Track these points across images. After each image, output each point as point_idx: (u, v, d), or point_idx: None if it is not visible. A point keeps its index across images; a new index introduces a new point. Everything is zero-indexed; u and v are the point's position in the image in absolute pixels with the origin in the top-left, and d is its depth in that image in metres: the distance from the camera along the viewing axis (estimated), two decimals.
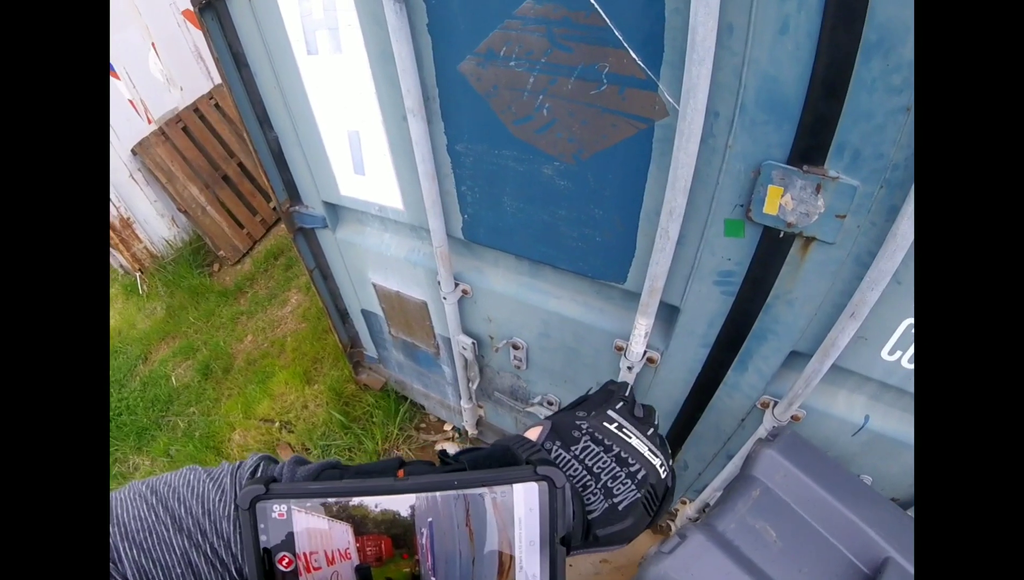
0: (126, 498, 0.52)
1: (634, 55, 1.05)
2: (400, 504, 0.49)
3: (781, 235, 1.14)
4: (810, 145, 1.01)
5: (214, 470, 0.56)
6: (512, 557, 0.50)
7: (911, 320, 1.16)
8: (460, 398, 2.41)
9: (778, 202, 1.08)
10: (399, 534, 0.49)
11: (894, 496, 1.61)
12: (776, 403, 1.48)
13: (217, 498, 0.52)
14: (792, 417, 1.47)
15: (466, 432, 2.66)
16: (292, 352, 3.27)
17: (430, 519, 0.49)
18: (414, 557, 0.50)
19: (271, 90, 1.70)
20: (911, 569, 1.20)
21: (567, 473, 0.57)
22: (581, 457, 0.59)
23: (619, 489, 0.56)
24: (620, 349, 1.58)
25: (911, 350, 1.22)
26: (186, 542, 0.50)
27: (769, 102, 1.00)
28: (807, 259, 1.17)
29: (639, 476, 0.57)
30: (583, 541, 0.56)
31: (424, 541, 0.49)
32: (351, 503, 0.48)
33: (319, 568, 0.48)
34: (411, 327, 2.20)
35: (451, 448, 2.66)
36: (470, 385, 2.21)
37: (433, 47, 1.28)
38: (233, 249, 4.16)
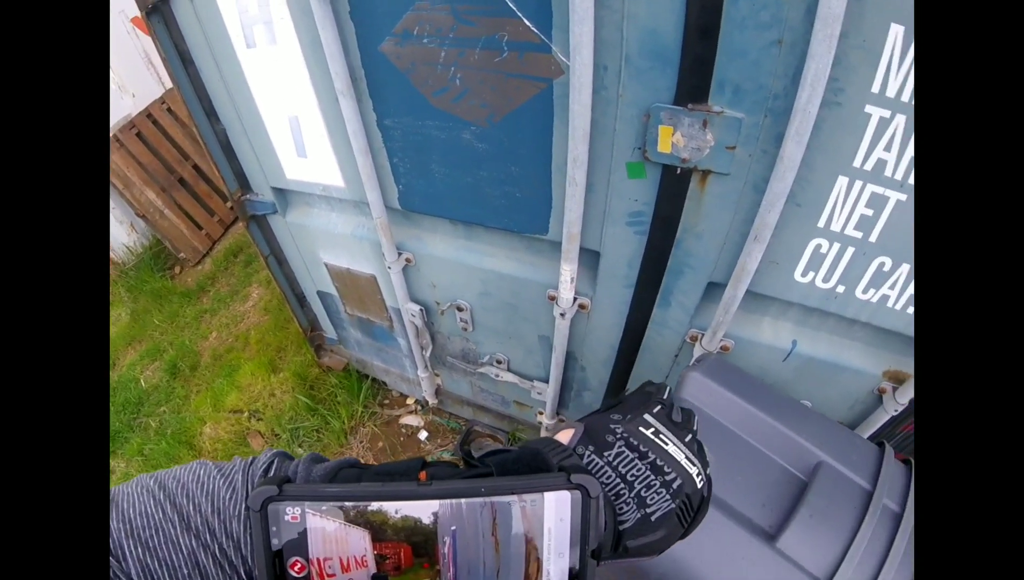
0: (133, 492, 0.50)
1: (528, 22, 1.19)
2: (422, 511, 0.46)
3: (679, 171, 1.28)
4: (693, 85, 1.15)
5: (225, 465, 0.54)
6: (540, 569, 0.48)
7: (818, 241, 1.30)
8: (417, 369, 2.54)
9: (670, 140, 1.22)
10: (420, 542, 0.47)
11: (839, 420, 1.74)
12: (703, 335, 1.61)
13: (228, 496, 0.50)
14: (721, 347, 1.61)
15: (427, 403, 2.79)
16: (256, 344, 3.37)
17: (454, 527, 0.46)
18: (435, 567, 0.47)
19: (216, 84, 1.81)
20: (842, 469, 1.31)
21: (600, 480, 0.55)
22: (615, 463, 0.56)
23: (653, 498, 0.53)
24: (553, 298, 1.72)
25: (823, 270, 1.36)
26: (193, 542, 0.48)
27: (650, 51, 1.13)
28: (707, 192, 1.31)
29: (674, 485, 0.54)
30: (612, 552, 0.53)
31: (446, 550, 0.47)
32: (370, 508, 0.46)
33: (333, 575, 0.46)
34: (364, 303, 2.33)
35: (414, 420, 2.80)
36: (424, 353, 2.34)
37: (356, 32, 1.41)
38: (193, 250, 4.23)
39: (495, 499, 0.47)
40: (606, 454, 0.57)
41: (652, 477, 0.54)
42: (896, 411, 1.58)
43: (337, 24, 1.39)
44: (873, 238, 1.28)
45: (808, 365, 1.60)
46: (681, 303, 1.58)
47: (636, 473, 0.55)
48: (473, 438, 2.74)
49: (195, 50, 1.75)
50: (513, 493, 0.47)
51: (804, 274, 1.39)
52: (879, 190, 1.20)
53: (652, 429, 0.58)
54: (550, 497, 0.47)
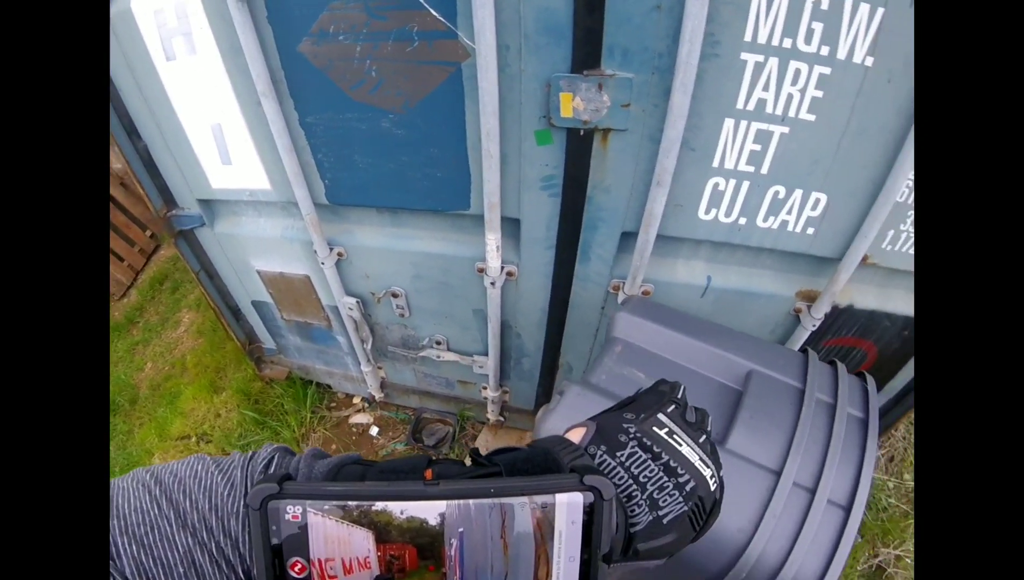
0: (128, 487, 0.49)
1: (434, 12, 1.32)
2: (428, 511, 0.45)
3: (582, 133, 1.43)
4: (586, 53, 1.30)
5: (224, 460, 0.53)
6: (549, 573, 0.47)
7: (715, 179, 1.48)
8: (360, 364, 2.62)
9: (571, 105, 1.37)
10: (425, 544, 0.45)
11: None
12: (624, 284, 1.76)
13: (226, 492, 0.49)
14: (642, 292, 1.76)
15: (374, 398, 2.88)
16: (194, 368, 3.36)
17: (461, 529, 0.45)
18: (441, 570, 0.46)
19: (136, 101, 1.86)
20: (772, 373, 1.43)
21: (612, 482, 0.52)
22: (627, 464, 0.55)
23: (665, 501, 0.52)
24: (482, 270, 1.84)
25: (724, 205, 1.53)
26: (190, 540, 0.47)
27: (546, 27, 1.28)
28: (609, 148, 1.46)
29: (687, 488, 0.53)
30: (622, 555, 0.52)
31: (453, 553, 0.46)
32: (374, 508, 0.45)
33: (335, 577, 0.45)
34: (300, 305, 2.40)
35: (363, 418, 2.88)
36: (365, 346, 2.43)
37: (274, 35, 1.50)
38: (117, 284, 4.15)
39: (504, 500, 0.45)
40: (619, 454, 0.55)
41: (665, 479, 0.53)
42: (814, 326, 1.77)
43: (256, 28, 1.48)
44: (764, 170, 1.46)
45: (725, 297, 1.77)
46: (600, 256, 1.73)
47: (649, 475, 0.54)
48: (423, 425, 2.84)
49: (114, 69, 1.80)
50: (523, 494, 0.46)
51: (707, 212, 1.57)
52: (763, 126, 1.38)
53: (666, 429, 0.57)
54: (562, 499, 0.46)
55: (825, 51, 1.27)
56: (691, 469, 0.54)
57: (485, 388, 2.48)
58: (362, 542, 0.45)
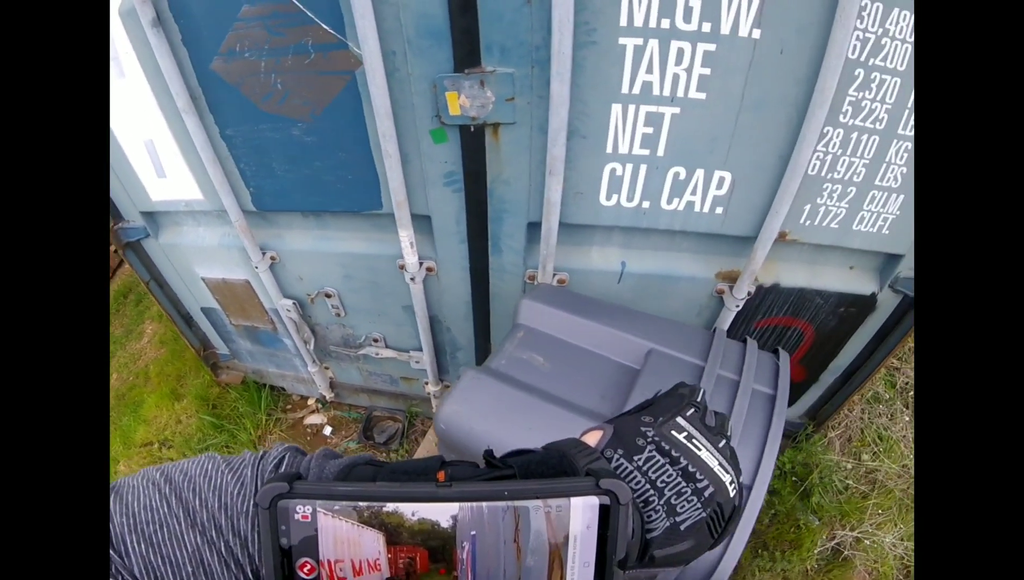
0: (138, 485, 0.49)
1: (325, 26, 1.43)
2: (441, 513, 0.45)
3: (472, 129, 1.52)
4: (465, 52, 1.39)
5: (234, 459, 0.53)
6: (563, 578, 0.46)
7: (611, 165, 1.54)
8: (307, 366, 2.73)
9: (457, 103, 1.46)
10: (437, 547, 0.45)
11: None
12: (538, 272, 1.83)
13: (236, 491, 0.49)
14: (558, 281, 1.85)
15: (326, 399, 2.98)
16: (156, 377, 3.46)
17: (473, 532, 0.45)
18: (452, 573, 0.45)
19: None
20: (671, 352, 1.47)
21: (629, 486, 0.50)
22: (644, 469, 0.53)
23: (683, 507, 0.51)
24: (403, 267, 1.96)
25: (624, 190, 1.59)
26: (199, 538, 0.47)
27: (426, 31, 1.37)
28: (501, 142, 1.55)
29: (706, 494, 0.51)
30: (638, 562, 0.51)
31: (465, 556, 0.45)
32: (385, 509, 0.44)
33: (344, 578, 0.45)
34: (245, 309, 2.51)
35: (317, 419, 2.98)
36: (308, 346, 2.54)
37: (189, 55, 1.62)
38: None
39: (518, 503, 0.45)
40: (636, 458, 0.53)
41: (683, 484, 0.52)
42: (738, 306, 1.84)
43: (172, 51, 1.60)
44: (661, 152, 1.51)
45: (644, 282, 1.84)
46: (510, 247, 1.82)
47: (667, 479, 0.52)
48: (374, 423, 2.94)
49: None
50: (538, 497, 0.45)
51: (608, 198, 1.63)
52: (653, 109, 1.43)
53: (685, 433, 0.55)
54: (577, 503, 0.45)
55: (707, 28, 1.29)
56: (710, 475, 0.53)
57: (427, 383, 2.58)
58: (372, 544, 0.44)
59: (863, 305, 1.93)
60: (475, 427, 1.38)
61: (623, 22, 1.30)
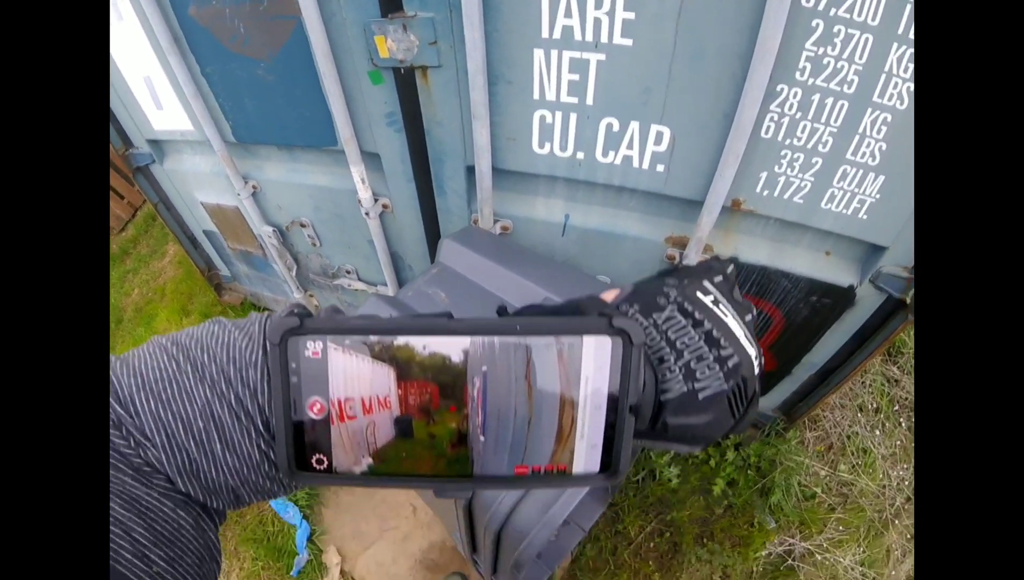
0: (145, 352, 0.48)
1: None
2: (452, 347, 0.43)
3: (403, 72, 1.60)
4: None
5: (241, 321, 0.51)
6: (574, 420, 0.45)
7: (540, 112, 1.53)
8: (294, 292, 2.97)
9: (386, 47, 1.53)
10: (447, 382, 0.44)
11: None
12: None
13: (244, 345, 0.47)
14: (501, 228, 1.92)
15: None
16: (171, 294, 3.79)
17: (485, 368, 0.43)
18: (462, 411, 0.44)
19: None
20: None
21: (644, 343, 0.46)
22: (663, 327, 0.48)
23: (704, 373, 0.47)
24: (360, 202, 2.15)
25: (556, 139, 1.58)
26: (208, 392, 0.45)
27: None
28: (431, 84, 1.59)
29: (730, 363, 0.47)
30: (650, 427, 0.48)
31: (476, 393, 0.44)
32: (395, 342, 0.43)
33: (354, 417, 0.44)
34: (238, 234, 2.76)
35: None
36: (291, 273, 2.77)
37: (171, 1, 1.83)
38: (117, 219, 4.68)
39: (530, 339, 0.43)
40: (654, 315, 0.49)
41: (705, 349, 0.47)
42: None
43: None
44: (589, 101, 1.46)
45: (588, 237, 1.84)
46: (453, 189, 1.90)
47: (687, 342, 0.47)
48: None
49: None
50: (550, 333, 0.43)
51: (541, 145, 1.62)
52: (576, 55, 1.38)
53: (711, 297, 0.50)
54: (589, 341, 0.43)
55: None
56: (735, 343, 0.48)
57: None
58: (383, 380, 0.43)
59: (839, 297, 1.77)
60: None
61: None
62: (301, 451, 0.44)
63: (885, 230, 1.55)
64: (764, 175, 1.50)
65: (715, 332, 0.47)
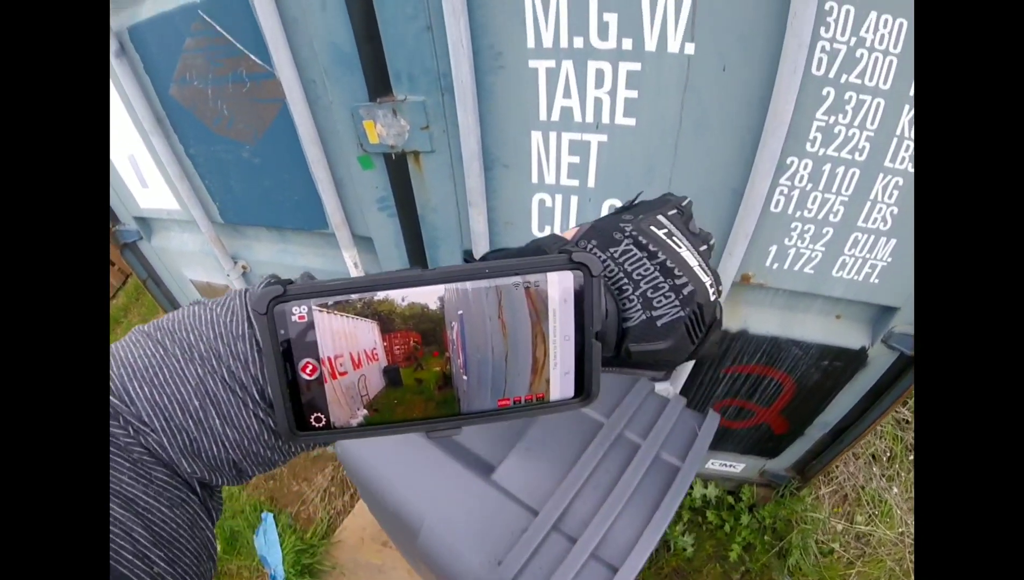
0: (128, 342, 0.48)
1: (253, 57, 1.51)
2: (428, 296, 0.46)
3: (394, 157, 1.51)
4: (376, 81, 1.37)
5: (219, 298, 0.51)
6: (547, 353, 0.48)
7: (540, 196, 1.48)
8: None
9: (375, 132, 1.45)
10: (428, 330, 0.46)
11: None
12: None
13: (229, 319, 0.48)
14: None
15: None
16: None
17: (460, 312, 0.46)
18: (445, 354, 0.47)
19: None
20: None
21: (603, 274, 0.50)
22: (620, 260, 0.51)
23: (660, 302, 0.50)
24: None
25: (557, 222, 1.51)
26: (199, 370, 0.46)
27: (338, 60, 1.36)
28: (424, 170, 1.52)
29: (685, 292, 0.50)
30: (615, 354, 0.51)
31: (455, 336, 0.47)
32: (376, 297, 0.45)
33: (345, 373, 0.46)
34: None
35: None
36: None
37: (152, 81, 1.75)
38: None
39: (500, 281, 0.46)
40: (611, 250, 0.52)
41: (660, 279, 0.50)
42: None
43: (136, 77, 1.74)
44: (591, 183, 1.41)
45: None
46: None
47: (643, 273, 0.51)
48: None
49: None
50: (517, 274, 0.46)
51: (541, 229, 1.56)
52: (576, 137, 1.34)
53: (665, 230, 0.54)
54: (553, 277, 0.47)
55: (628, 44, 1.18)
56: (689, 273, 0.51)
57: None
58: (368, 334, 0.46)
59: (851, 359, 1.76)
60: (363, 456, 1.43)
61: (531, 44, 1.23)
62: (299, 413, 0.46)
63: (897, 292, 1.54)
64: (774, 249, 1.47)
65: (669, 262, 0.50)
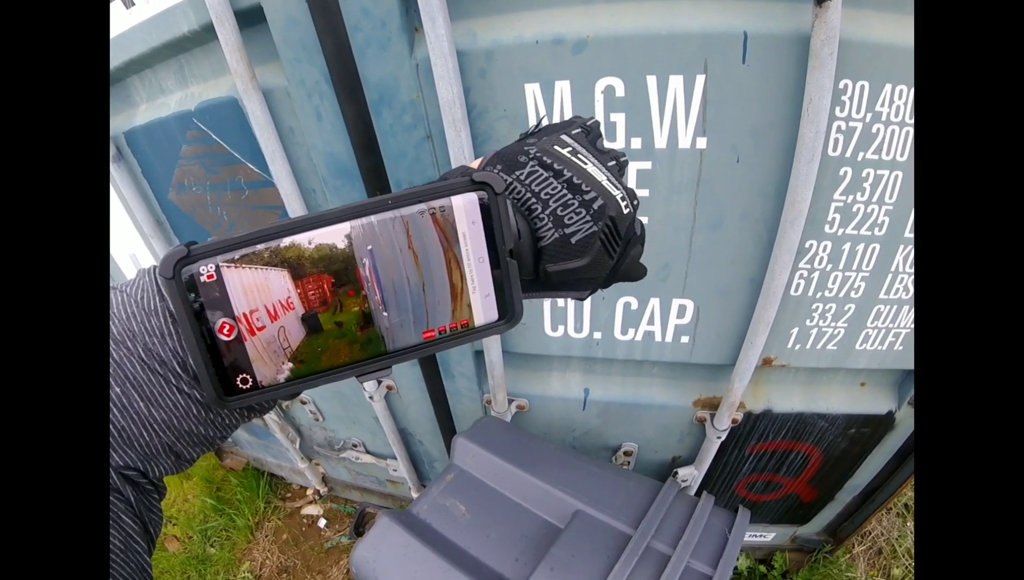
0: None
1: (251, 165, 1.46)
2: (335, 235, 0.45)
3: None
4: (376, 191, 1.33)
5: (128, 278, 0.49)
6: (463, 277, 0.48)
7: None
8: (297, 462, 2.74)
9: None
10: (340, 270, 0.45)
11: (675, 455, 1.86)
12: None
13: (140, 296, 0.45)
14: (518, 407, 1.77)
15: (323, 491, 2.98)
16: None
17: (369, 247, 0.45)
18: (361, 293, 0.46)
19: None
20: (599, 515, 1.35)
21: (510, 197, 0.51)
22: (527, 181, 0.51)
23: (571, 218, 0.49)
24: (363, 386, 1.95)
25: (571, 321, 1.50)
26: (115, 354, 0.43)
27: (337, 170, 1.34)
28: None
29: (595, 206, 0.49)
30: (534, 276, 0.51)
31: (368, 273, 0.46)
32: (282, 245, 0.44)
33: (263, 327, 0.44)
34: None
35: (314, 510, 2.98)
36: (294, 445, 2.55)
37: (151, 187, 1.70)
38: None
39: (404, 211, 0.46)
40: (517, 172, 0.52)
41: (569, 196, 0.50)
42: (719, 437, 1.68)
43: (135, 181, 1.69)
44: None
45: (610, 409, 1.72)
46: (462, 373, 1.77)
47: (551, 192, 0.50)
48: (367, 520, 2.91)
49: None
50: (420, 201, 0.46)
51: (554, 329, 1.54)
52: None
53: (569, 148, 0.53)
54: (457, 201, 0.46)
55: (637, 144, 1.16)
56: (598, 187, 0.50)
57: (411, 489, 2.54)
58: (280, 283, 0.44)
59: (878, 424, 1.69)
60: (378, 572, 1.34)
61: None
62: (224, 377, 0.45)
63: None
64: (795, 331, 1.44)
65: (576, 179, 0.50)
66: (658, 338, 1.50)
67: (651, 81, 1.09)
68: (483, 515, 1.43)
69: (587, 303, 1.45)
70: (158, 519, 0.51)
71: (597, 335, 1.53)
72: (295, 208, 1.43)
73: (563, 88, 1.13)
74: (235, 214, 1.60)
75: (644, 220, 1.17)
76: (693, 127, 1.13)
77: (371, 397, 1.93)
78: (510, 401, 1.77)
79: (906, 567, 2.49)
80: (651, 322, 1.47)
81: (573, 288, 0.53)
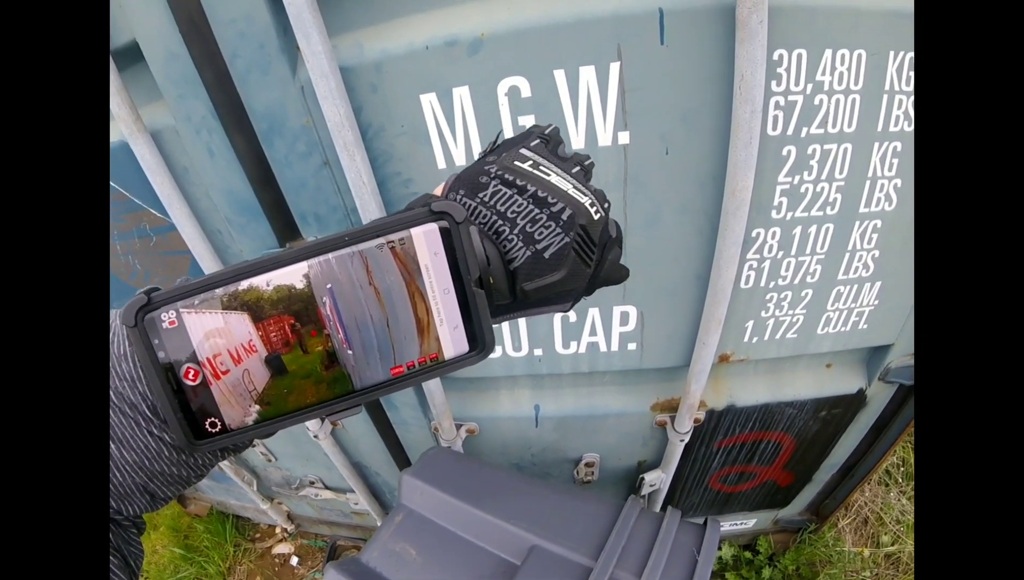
0: None
1: (153, 211, 1.39)
2: (293, 276, 0.45)
3: None
4: (283, 226, 1.28)
5: None
6: (429, 310, 0.47)
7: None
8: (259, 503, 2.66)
9: None
10: (300, 310, 0.45)
11: (640, 459, 1.81)
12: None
13: (110, 341, 0.46)
14: (468, 431, 1.71)
15: (291, 528, 2.91)
16: None
17: (329, 285, 0.45)
18: (323, 332, 0.46)
19: None
20: (556, 549, 1.29)
21: (476, 221, 0.50)
22: (491, 203, 0.50)
23: (541, 233, 0.49)
24: (307, 426, 1.88)
25: (508, 340, 1.44)
26: None
27: (239, 208, 1.27)
28: None
29: (563, 217, 0.48)
30: (512, 298, 0.51)
31: (328, 311, 0.45)
32: (240, 288, 0.44)
33: (227, 371, 0.44)
34: None
35: (285, 548, 2.90)
36: (252, 487, 2.47)
37: None
38: None
39: (362, 246, 0.45)
40: (480, 194, 0.51)
41: (536, 211, 0.49)
42: (682, 440, 1.62)
43: None
44: None
45: (565, 423, 1.66)
46: (404, 403, 1.69)
47: (517, 209, 0.49)
48: (339, 553, 2.84)
49: None
50: (378, 236, 0.46)
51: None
52: None
53: (530, 162, 0.52)
54: (417, 232, 0.46)
55: None
56: (564, 197, 0.49)
57: (377, 519, 2.47)
58: (241, 326, 0.44)
59: (850, 403, 1.65)
60: None
61: (442, 164, 1.12)
62: (193, 421, 0.45)
63: (888, 330, 1.46)
64: (751, 324, 1.38)
65: (540, 192, 0.49)
66: (603, 348, 1.44)
67: (559, 76, 1.01)
68: (435, 557, 1.37)
69: (520, 320, 1.37)
70: (138, 552, 0.51)
71: (538, 351, 1.46)
72: (200, 251, 1.36)
73: (462, 94, 1.05)
74: (147, 262, 1.53)
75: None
76: (612, 121, 1.05)
77: (316, 435, 1.85)
78: (459, 426, 1.71)
79: (894, 533, 2.49)
80: (593, 333, 1.40)
81: (555, 302, 0.53)
